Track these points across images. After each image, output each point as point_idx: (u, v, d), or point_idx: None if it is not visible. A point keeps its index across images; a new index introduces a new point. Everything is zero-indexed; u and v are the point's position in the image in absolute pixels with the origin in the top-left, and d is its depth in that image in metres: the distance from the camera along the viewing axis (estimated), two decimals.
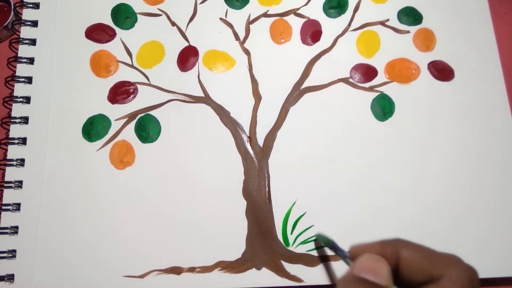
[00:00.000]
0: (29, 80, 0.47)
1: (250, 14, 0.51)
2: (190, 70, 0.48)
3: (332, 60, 0.49)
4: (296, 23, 0.50)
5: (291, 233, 0.44)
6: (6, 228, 0.42)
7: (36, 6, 0.49)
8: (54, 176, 0.44)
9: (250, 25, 0.50)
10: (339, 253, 0.36)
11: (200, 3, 0.51)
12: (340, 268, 0.42)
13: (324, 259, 0.42)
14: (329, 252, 0.43)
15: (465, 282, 0.22)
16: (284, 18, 0.51)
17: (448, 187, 0.45)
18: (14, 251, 0.42)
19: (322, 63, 0.49)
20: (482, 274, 0.32)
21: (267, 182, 0.45)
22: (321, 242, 0.42)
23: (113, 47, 0.49)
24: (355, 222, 0.44)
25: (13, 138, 0.45)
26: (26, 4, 0.49)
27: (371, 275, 0.23)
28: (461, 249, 0.43)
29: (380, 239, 0.27)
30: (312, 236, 0.43)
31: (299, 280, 0.42)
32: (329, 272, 0.42)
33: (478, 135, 0.47)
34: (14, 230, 0.42)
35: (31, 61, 0.47)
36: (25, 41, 0.48)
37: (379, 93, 0.48)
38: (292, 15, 0.51)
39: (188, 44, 0.49)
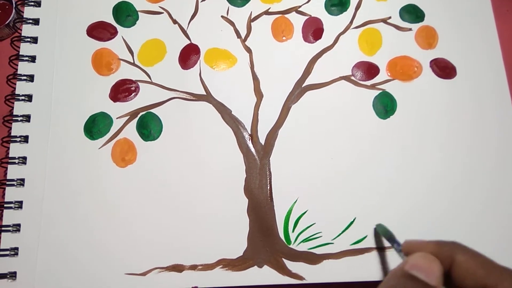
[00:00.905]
0: (30, 78, 0.47)
1: (251, 12, 0.50)
2: (191, 68, 0.48)
3: (334, 58, 0.49)
4: (297, 21, 0.50)
5: (293, 231, 0.44)
6: (9, 226, 0.42)
7: (38, 4, 0.49)
8: (56, 175, 0.44)
9: (252, 23, 0.50)
10: (395, 247, 0.36)
11: (202, 1, 0.51)
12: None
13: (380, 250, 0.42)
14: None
15: None
16: (286, 15, 0.50)
17: (452, 184, 0.45)
18: (17, 248, 0.42)
19: (323, 61, 0.49)
20: None
21: (268, 180, 0.45)
22: (380, 232, 0.42)
23: (115, 45, 0.49)
24: (357, 220, 0.44)
25: (15, 137, 0.45)
26: (28, 2, 0.49)
27: (423, 274, 0.23)
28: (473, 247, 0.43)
29: (436, 239, 0.26)
30: (317, 233, 0.43)
31: (301, 278, 0.42)
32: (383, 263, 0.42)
33: (481, 132, 0.47)
34: (17, 228, 0.42)
35: (32, 59, 0.47)
36: (26, 39, 0.48)
37: (381, 91, 0.48)
38: (294, 12, 0.51)
39: (189, 42, 0.49)
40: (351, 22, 0.50)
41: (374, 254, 0.43)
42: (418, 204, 0.45)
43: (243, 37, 0.50)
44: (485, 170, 0.46)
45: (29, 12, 0.49)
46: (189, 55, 0.49)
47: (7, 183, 0.43)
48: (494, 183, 0.45)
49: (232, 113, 0.47)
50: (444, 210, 0.44)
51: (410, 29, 0.50)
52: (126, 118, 0.46)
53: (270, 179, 0.45)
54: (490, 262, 0.24)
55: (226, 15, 0.50)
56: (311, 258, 0.43)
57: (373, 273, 0.42)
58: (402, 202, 0.45)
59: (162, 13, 0.50)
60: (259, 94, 0.48)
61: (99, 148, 0.45)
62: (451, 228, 0.44)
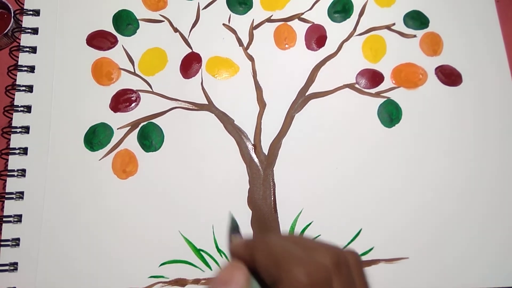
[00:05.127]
0: (29, 88, 0.46)
1: (253, 20, 0.50)
2: (193, 77, 0.48)
3: (337, 65, 0.48)
4: (300, 28, 0.50)
5: None
6: (8, 240, 0.41)
7: (37, 13, 0.49)
8: (56, 187, 0.43)
9: (254, 31, 0.49)
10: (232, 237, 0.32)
11: (203, 9, 0.50)
12: None
13: None
14: None
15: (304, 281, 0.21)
16: (288, 23, 0.50)
17: (458, 193, 0.44)
18: (16, 263, 0.41)
19: (327, 68, 0.48)
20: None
21: (272, 191, 0.44)
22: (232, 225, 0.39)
23: (115, 54, 0.48)
24: (363, 231, 0.43)
25: (14, 148, 0.44)
26: (26, 11, 0.48)
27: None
28: (478, 255, 0.42)
29: (246, 238, 0.26)
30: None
31: None
32: None
33: (487, 140, 0.46)
34: (16, 242, 0.42)
35: (31, 69, 0.47)
36: (25, 49, 0.47)
37: (385, 99, 0.47)
38: (297, 20, 0.50)
39: (191, 50, 0.48)
40: (355, 29, 0.50)
41: (381, 266, 0.42)
42: (425, 213, 0.44)
43: (245, 45, 0.49)
44: (491, 178, 0.45)
45: (28, 21, 0.48)
46: (190, 64, 0.48)
47: (6, 196, 0.43)
48: (500, 189, 0.45)
49: (235, 122, 0.46)
50: (450, 218, 0.44)
51: (415, 36, 0.50)
52: (127, 128, 0.46)
53: (274, 190, 0.44)
54: (282, 253, 0.23)
55: (227, 23, 0.50)
56: None
57: (381, 286, 0.41)
58: (409, 210, 0.44)
59: (163, 21, 0.49)
60: (262, 103, 0.47)
61: (100, 160, 0.45)
62: (457, 236, 0.43)
